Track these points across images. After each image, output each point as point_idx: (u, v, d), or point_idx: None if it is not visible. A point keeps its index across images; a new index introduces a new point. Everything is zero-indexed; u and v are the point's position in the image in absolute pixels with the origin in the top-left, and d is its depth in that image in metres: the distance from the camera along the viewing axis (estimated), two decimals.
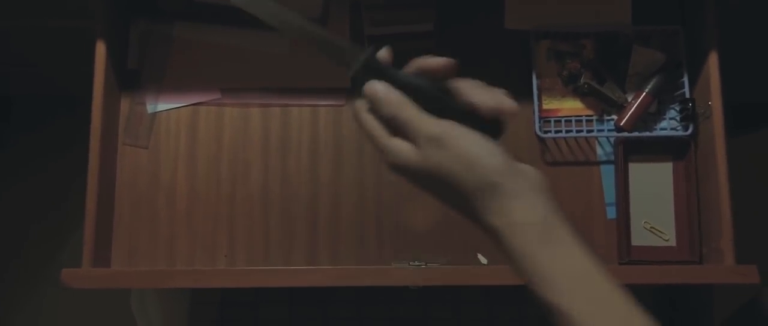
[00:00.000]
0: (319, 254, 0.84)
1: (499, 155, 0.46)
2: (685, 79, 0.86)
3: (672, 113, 0.87)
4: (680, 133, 0.85)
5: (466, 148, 0.45)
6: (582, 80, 0.86)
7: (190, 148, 0.86)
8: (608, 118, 0.87)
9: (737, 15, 0.92)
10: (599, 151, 0.87)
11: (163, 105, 0.86)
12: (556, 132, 0.86)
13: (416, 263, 0.79)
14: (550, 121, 0.87)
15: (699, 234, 0.84)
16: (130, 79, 0.87)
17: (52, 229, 1.42)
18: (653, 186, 0.87)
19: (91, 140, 0.80)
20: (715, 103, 0.82)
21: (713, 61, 0.83)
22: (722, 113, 0.82)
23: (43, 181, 1.45)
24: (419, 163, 0.47)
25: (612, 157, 0.87)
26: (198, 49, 0.87)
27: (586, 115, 0.87)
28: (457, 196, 0.47)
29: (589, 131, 0.86)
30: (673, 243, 0.86)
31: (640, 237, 0.85)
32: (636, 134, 0.85)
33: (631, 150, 0.86)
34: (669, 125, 0.87)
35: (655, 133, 0.86)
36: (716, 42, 0.84)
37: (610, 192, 0.86)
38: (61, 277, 0.75)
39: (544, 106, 0.87)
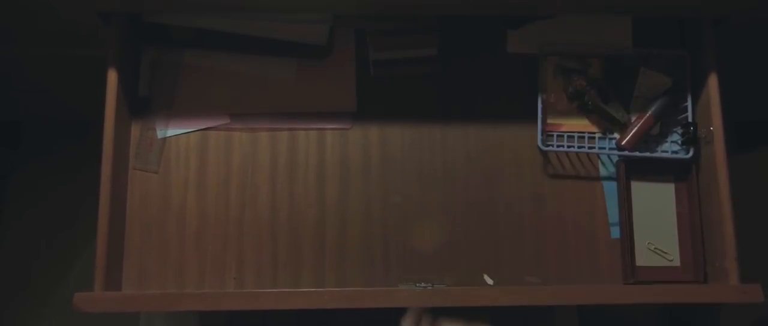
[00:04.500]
0: (326, 276, 0.85)
1: None
2: (689, 103, 0.87)
3: (674, 136, 0.88)
4: (682, 155, 0.86)
5: None
6: (587, 97, 0.87)
7: (200, 173, 0.87)
8: (611, 136, 0.88)
9: (739, 33, 0.94)
10: (601, 169, 0.88)
11: (172, 130, 0.88)
12: (559, 146, 0.88)
13: (423, 284, 0.80)
14: (552, 136, 0.88)
15: (703, 254, 0.85)
16: (140, 106, 0.88)
17: (62, 252, 1.43)
18: (656, 206, 0.88)
19: (102, 166, 0.81)
20: (716, 124, 0.84)
21: (713, 83, 0.85)
22: (723, 135, 0.84)
23: (53, 205, 1.46)
24: None
25: (614, 175, 0.88)
26: (207, 76, 0.89)
27: (589, 133, 0.88)
28: None
29: (591, 148, 0.88)
30: (677, 263, 0.86)
31: (644, 258, 0.86)
32: (637, 154, 0.86)
33: (633, 170, 0.88)
34: (671, 147, 0.88)
35: (656, 154, 0.87)
36: (716, 64, 0.85)
37: (613, 212, 0.87)
38: (73, 301, 0.76)
39: (548, 121, 0.88)
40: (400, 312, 0.99)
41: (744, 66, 1.03)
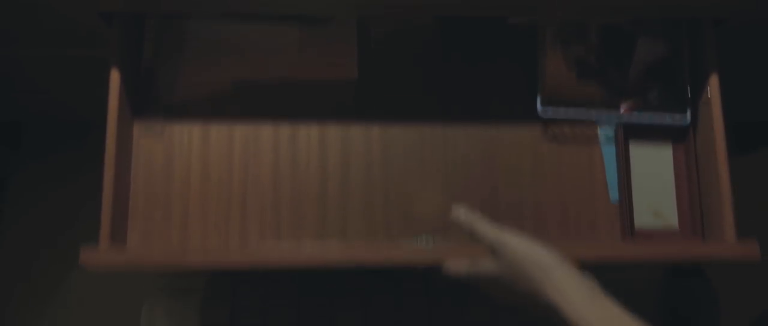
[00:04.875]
0: (328, 242, 0.86)
1: (544, 249, 0.67)
2: (686, 67, 0.88)
3: (671, 101, 0.89)
4: (679, 119, 0.88)
5: (524, 249, 0.67)
6: (586, 64, 0.88)
7: (203, 141, 0.88)
8: (609, 102, 0.89)
9: (739, 34, 0.94)
10: (600, 134, 0.89)
11: (176, 100, 0.88)
12: (558, 113, 0.88)
13: (424, 240, 0.81)
14: (552, 102, 0.89)
15: (701, 218, 0.86)
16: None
17: (62, 252, 1.43)
18: (654, 170, 0.89)
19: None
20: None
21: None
22: (720, 100, 0.85)
23: (53, 206, 1.46)
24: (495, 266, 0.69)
25: (613, 141, 0.89)
26: (209, 45, 0.89)
27: (589, 99, 0.89)
28: (524, 282, 0.66)
29: (590, 115, 0.89)
30: (676, 226, 0.87)
31: (643, 221, 0.87)
32: (635, 119, 0.88)
33: (632, 134, 0.89)
34: (669, 112, 0.89)
35: (654, 119, 0.88)
36: (716, 65, 0.86)
37: (612, 176, 0.88)
38: (80, 258, 0.76)
39: (548, 88, 0.89)
40: (402, 312, 0.99)
41: (744, 67, 1.04)
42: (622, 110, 0.87)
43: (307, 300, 1.00)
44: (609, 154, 0.89)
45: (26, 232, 1.46)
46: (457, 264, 0.74)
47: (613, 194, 0.87)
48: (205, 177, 0.87)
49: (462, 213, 0.74)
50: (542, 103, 0.87)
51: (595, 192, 0.88)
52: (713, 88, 0.85)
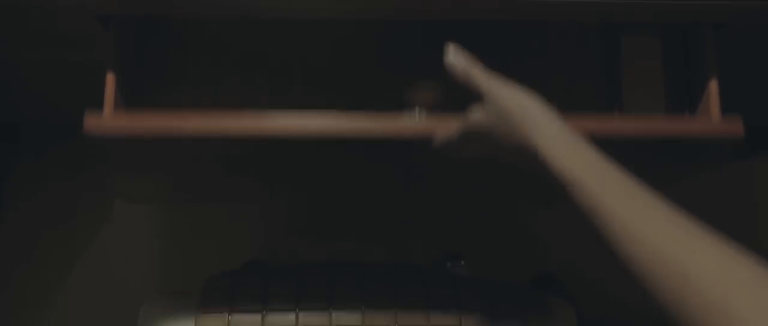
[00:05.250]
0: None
1: (534, 99, 0.66)
2: None
3: None
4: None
5: (514, 98, 0.66)
6: None
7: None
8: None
9: (740, 37, 0.94)
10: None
11: None
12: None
13: (417, 113, 0.84)
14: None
15: (689, 109, 0.88)
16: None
17: (62, 252, 1.43)
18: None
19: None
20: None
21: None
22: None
23: (51, 206, 1.46)
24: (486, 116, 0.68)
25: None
26: None
27: None
28: (512, 133, 0.65)
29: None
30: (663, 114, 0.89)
31: (631, 110, 0.88)
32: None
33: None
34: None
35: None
36: (717, 69, 0.86)
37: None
38: (84, 125, 0.78)
39: None
40: (401, 312, 0.99)
41: (744, 71, 1.03)
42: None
43: (305, 301, 1.01)
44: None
45: (24, 231, 1.46)
46: (447, 128, 0.74)
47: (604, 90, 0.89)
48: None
49: (458, 59, 0.72)
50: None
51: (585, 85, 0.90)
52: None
